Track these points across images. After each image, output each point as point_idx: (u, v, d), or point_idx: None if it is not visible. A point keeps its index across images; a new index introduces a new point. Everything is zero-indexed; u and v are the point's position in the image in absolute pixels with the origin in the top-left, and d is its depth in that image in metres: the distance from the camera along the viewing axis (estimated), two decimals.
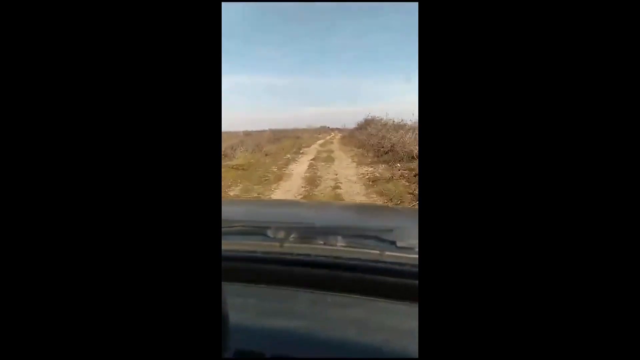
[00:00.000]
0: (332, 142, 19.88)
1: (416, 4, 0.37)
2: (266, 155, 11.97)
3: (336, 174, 7.61)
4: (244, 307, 0.52)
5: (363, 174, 7.55)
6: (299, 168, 8.95)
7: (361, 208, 1.88)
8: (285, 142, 18.06)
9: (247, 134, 21.51)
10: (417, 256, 0.56)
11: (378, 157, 9.74)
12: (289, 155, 11.87)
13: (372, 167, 8.41)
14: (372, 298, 0.54)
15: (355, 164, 9.25)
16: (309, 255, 0.62)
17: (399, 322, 0.49)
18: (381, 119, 16.02)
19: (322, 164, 9.57)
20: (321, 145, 17.73)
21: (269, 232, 0.71)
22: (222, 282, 0.38)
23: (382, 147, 10.10)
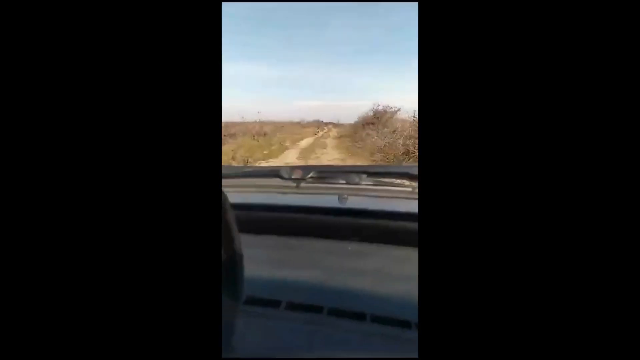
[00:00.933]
0: (323, 147, 10.96)
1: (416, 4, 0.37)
2: None
3: None
4: (257, 258, 0.49)
5: None
6: None
7: None
8: (224, 147, 8.84)
9: (226, 125, 17.08)
10: None
11: None
12: None
13: None
14: (391, 246, 0.53)
15: None
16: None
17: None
18: (398, 109, 11.31)
19: None
20: (302, 153, 8.79)
21: (283, 172, 0.66)
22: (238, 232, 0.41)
23: None
